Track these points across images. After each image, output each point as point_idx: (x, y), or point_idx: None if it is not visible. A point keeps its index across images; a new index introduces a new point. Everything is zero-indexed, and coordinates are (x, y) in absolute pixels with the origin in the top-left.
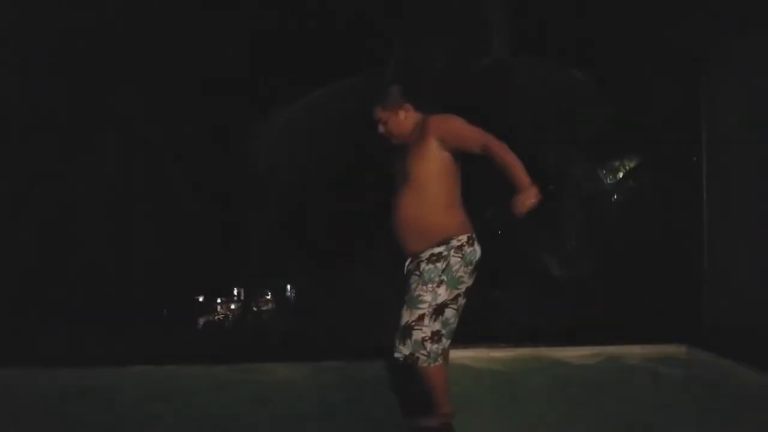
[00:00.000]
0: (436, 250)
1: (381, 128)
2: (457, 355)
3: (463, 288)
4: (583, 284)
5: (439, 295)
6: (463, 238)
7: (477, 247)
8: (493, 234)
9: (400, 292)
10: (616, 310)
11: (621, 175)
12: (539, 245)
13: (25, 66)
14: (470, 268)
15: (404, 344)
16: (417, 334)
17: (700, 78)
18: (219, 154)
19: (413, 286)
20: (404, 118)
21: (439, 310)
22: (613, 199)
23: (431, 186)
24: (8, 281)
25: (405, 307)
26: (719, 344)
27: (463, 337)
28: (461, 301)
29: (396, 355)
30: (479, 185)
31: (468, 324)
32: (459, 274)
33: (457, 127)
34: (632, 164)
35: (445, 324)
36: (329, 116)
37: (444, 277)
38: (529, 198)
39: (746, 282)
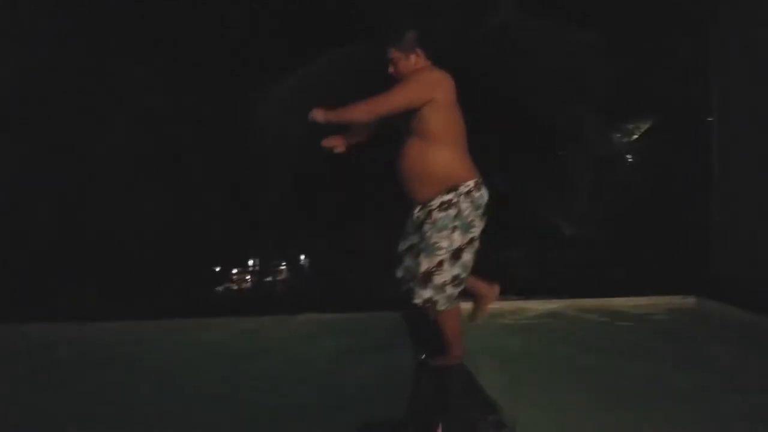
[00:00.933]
0: (446, 197)
1: (391, 68)
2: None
3: (476, 232)
4: (591, 238)
5: (455, 240)
6: (471, 183)
7: (484, 191)
8: (500, 192)
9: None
10: (623, 263)
11: (630, 132)
12: (548, 203)
13: (38, 39)
14: (480, 211)
15: (424, 289)
16: (437, 279)
17: (709, 32)
18: (230, 122)
19: (428, 234)
20: (414, 63)
21: (456, 255)
22: (622, 156)
23: (435, 133)
24: (36, 245)
25: (422, 255)
26: (728, 295)
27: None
28: (476, 244)
29: (414, 300)
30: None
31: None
32: (470, 218)
33: (403, 82)
34: (641, 121)
35: (464, 268)
36: (336, 80)
37: (456, 223)
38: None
39: (754, 234)
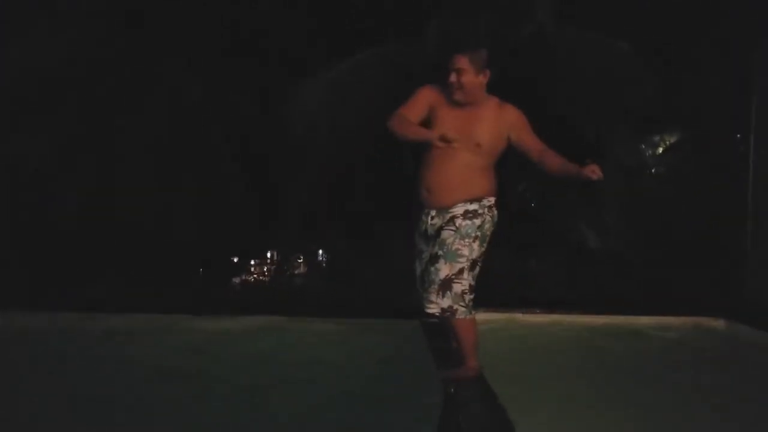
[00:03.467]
0: (470, 207)
1: (454, 77)
2: (491, 318)
3: (484, 248)
4: (621, 255)
5: (474, 250)
6: (493, 199)
7: (496, 211)
8: (530, 204)
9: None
10: (653, 281)
11: (664, 148)
12: (577, 216)
13: (70, 29)
14: (493, 229)
15: (443, 297)
16: (457, 287)
17: (751, 51)
18: (258, 117)
19: (449, 240)
20: (480, 82)
21: (473, 265)
22: (655, 172)
23: (487, 152)
24: (58, 234)
25: (442, 261)
26: (759, 319)
27: (497, 301)
28: (482, 261)
29: (431, 309)
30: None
31: (503, 290)
32: (488, 233)
33: (528, 127)
34: (676, 137)
35: (474, 279)
36: (368, 81)
37: (478, 233)
38: (594, 170)
39: None
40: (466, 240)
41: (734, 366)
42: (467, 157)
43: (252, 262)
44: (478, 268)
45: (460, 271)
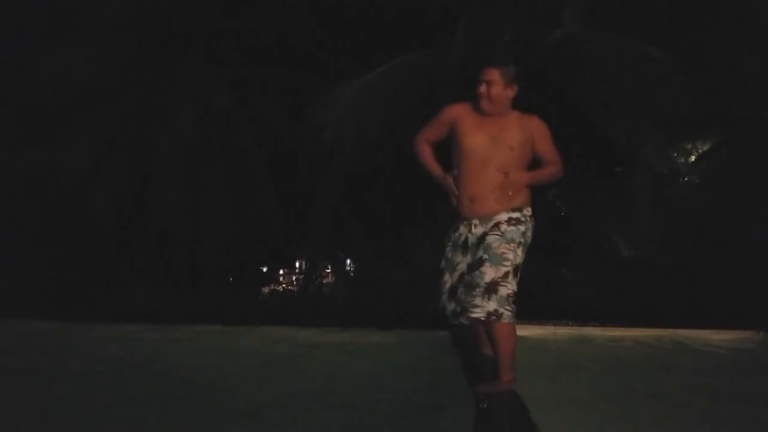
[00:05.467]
0: (514, 215)
1: (484, 88)
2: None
3: (525, 256)
4: (655, 265)
5: (518, 255)
6: (530, 210)
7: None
8: (561, 212)
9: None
10: (690, 293)
11: (695, 154)
12: (609, 225)
13: (103, 37)
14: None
15: (489, 300)
16: (503, 290)
17: None
18: (289, 125)
19: (495, 244)
20: (507, 95)
21: (517, 270)
22: (689, 179)
23: (518, 156)
24: (88, 246)
25: (488, 264)
26: None
27: (530, 312)
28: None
29: (476, 313)
30: None
31: (535, 300)
32: (529, 240)
33: (549, 138)
34: (712, 143)
35: (517, 285)
36: (396, 90)
37: (522, 240)
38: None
39: None
40: (511, 245)
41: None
42: (509, 165)
43: (281, 272)
44: (518, 276)
45: (506, 275)
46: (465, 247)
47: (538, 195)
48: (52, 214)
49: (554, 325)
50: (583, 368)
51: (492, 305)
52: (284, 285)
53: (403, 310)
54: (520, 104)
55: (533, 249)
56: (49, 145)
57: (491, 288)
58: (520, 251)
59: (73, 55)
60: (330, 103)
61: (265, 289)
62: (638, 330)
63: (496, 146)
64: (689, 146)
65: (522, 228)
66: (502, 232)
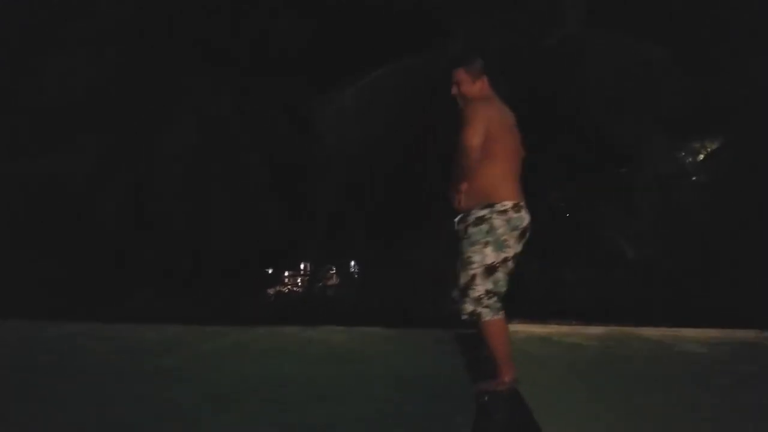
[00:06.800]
0: (480, 213)
1: (455, 89)
2: (526, 329)
3: (510, 252)
4: (656, 265)
5: (487, 255)
6: (508, 203)
7: (524, 214)
8: (563, 213)
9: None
10: (689, 292)
11: (699, 155)
12: (612, 225)
13: (103, 45)
14: (516, 233)
15: (465, 303)
16: (472, 293)
17: None
18: (289, 130)
19: (463, 249)
20: (478, 90)
21: (489, 271)
22: (689, 179)
23: (484, 153)
24: (95, 249)
25: (460, 269)
26: None
27: (531, 313)
28: (510, 265)
29: (463, 315)
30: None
31: (537, 301)
32: (504, 237)
33: (467, 117)
34: (711, 144)
35: (496, 284)
36: (395, 93)
37: (489, 239)
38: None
39: None
40: (476, 246)
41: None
42: (470, 159)
43: (285, 273)
44: (499, 273)
45: (473, 278)
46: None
47: (539, 197)
48: (57, 219)
49: (559, 324)
50: (587, 366)
51: (470, 306)
52: (289, 287)
53: (408, 310)
54: (523, 105)
55: (535, 251)
56: (52, 151)
57: (464, 292)
58: (488, 250)
59: (74, 60)
60: (330, 106)
61: (271, 291)
62: (643, 329)
63: (513, 131)
64: (695, 145)
65: (485, 227)
66: (468, 235)
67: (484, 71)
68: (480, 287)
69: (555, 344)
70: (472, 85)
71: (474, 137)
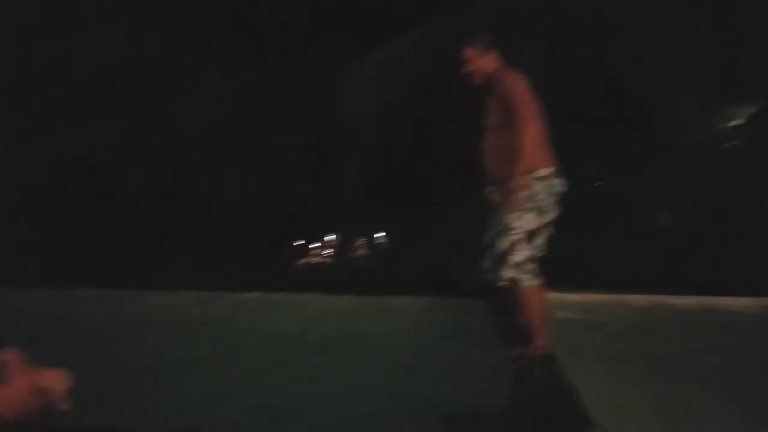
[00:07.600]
0: (522, 179)
1: (466, 67)
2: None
3: (549, 217)
4: (685, 233)
5: (529, 221)
6: (548, 170)
7: (561, 181)
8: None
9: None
10: (720, 260)
11: (734, 121)
12: (643, 194)
13: (128, 17)
14: (554, 198)
15: (504, 269)
16: (513, 259)
17: None
18: (313, 102)
19: (502, 216)
20: (489, 64)
21: (531, 236)
22: (723, 146)
23: (521, 121)
24: (128, 219)
25: (500, 236)
26: None
27: (561, 281)
28: (549, 229)
29: (500, 282)
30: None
31: (567, 269)
32: (545, 203)
33: (517, 89)
34: (747, 109)
35: (537, 249)
36: (417, 65)
37: (530, 205)
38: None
39: None
40: (518, 213)
41: None
42: (506, 132)
43: (313, 245)
44: (540, 238)
45: (514, 243)
46: (488, 206)
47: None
48: (92, 193)
49: (594, 292)
50: (620, 332)
51: (509, 272)
52: (319, 257)
53: (438, 278)
54: (549, 72)
55: (567, 221)
56: (84, 127)
57: (503, 257)
58: (530, 216)
59: (101, 36)
60: (354, 78)
61: (301, 261)
62: (675, 297)
63: (494, 116)
64: (730, 109)
65: (526, 193)
66: (509, 202)
67: (491, 45)
68: (522, 253)
69: (587, 311)
70: (482, 60)
71: (530, 110)
